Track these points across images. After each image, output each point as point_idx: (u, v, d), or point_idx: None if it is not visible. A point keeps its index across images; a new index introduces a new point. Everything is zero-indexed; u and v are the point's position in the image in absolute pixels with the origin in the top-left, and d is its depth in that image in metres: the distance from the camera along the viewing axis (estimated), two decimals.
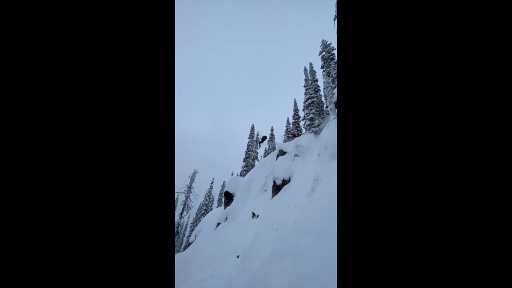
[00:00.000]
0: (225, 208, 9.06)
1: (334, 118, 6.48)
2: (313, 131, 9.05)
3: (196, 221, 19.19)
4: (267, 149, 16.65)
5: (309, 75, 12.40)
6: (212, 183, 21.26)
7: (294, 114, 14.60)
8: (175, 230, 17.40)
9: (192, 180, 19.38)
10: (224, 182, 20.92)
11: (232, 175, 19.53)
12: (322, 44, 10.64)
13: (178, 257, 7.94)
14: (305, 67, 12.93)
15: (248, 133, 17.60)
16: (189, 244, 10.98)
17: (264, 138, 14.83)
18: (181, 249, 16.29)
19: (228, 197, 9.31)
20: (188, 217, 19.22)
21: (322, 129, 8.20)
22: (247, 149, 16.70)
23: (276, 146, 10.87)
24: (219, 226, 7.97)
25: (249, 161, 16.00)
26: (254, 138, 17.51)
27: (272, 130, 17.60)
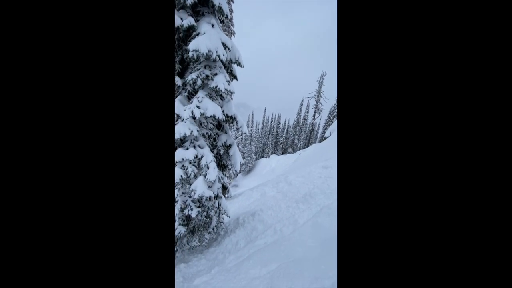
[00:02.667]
0: None
1: None
2: None
3: (329, 121, 20.59)
4: None
5: None
6: None
7: None
8: (309, 130, 20.77)
9: (320, 84, 18.84)
10: None
11: None
12: None
13: (316, 146, 10.12)
14: None
15: None
16: (325, 138, 13.03)
17: None
18: (317, 141, 20.12)
19: None
20: (320, 119, 21.16)
21: None
22: None
23: None
24: None
25: None
26: None
27: None
